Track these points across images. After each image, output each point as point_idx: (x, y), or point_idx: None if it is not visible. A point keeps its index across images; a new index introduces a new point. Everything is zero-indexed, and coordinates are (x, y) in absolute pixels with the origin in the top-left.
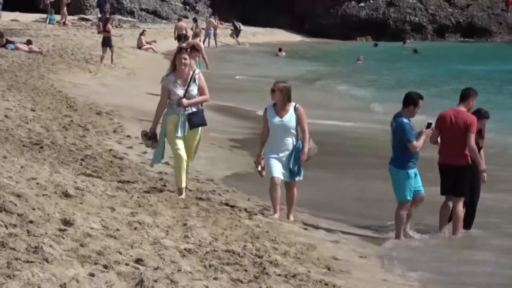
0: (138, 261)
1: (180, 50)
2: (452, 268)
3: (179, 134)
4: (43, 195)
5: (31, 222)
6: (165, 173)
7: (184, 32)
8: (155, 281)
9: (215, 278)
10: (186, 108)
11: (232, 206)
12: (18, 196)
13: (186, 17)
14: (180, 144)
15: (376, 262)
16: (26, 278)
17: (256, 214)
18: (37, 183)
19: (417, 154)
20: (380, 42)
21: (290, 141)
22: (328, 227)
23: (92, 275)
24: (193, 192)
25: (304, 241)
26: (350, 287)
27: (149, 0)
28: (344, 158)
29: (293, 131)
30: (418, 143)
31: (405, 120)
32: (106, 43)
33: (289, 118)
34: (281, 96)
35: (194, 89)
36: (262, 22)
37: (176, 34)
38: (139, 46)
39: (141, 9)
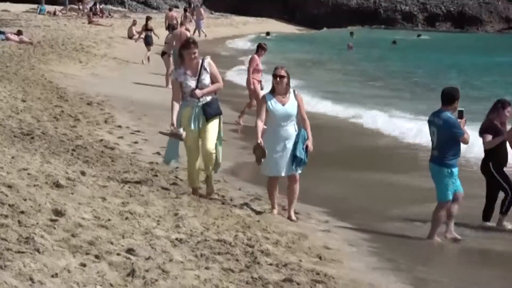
0: (130, 251)
1: (188, 44)
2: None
3: (192, 127)
4: (34, 185)
5: (22, 212)
6: (156, 163)
7: (174, 22)
8: (147, 271)
9: (207, 268)
10: (200, 99)
11: (223, 196)
12: (9, 186)
13: (177, 7)
14: (192, 140)
15: (368, 251)
16: (17, 269)
17: (247, 204)
18: (28, 174)
19: (459, 151)
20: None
21: (291, 130)
22: (319, 216)
23: (84, 265)
24: (184, 181)
25: (296, 231)
26: (341, 276)
27: None
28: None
29: (294, 119)
30: (467, 135)
31: (453, 116)
32: (149, 41)
33: (292, 105)
34: (286, 82)
35: (206, 78)
36: (253, 12)
37: (167, 24)
38: (130, 36)
39: None
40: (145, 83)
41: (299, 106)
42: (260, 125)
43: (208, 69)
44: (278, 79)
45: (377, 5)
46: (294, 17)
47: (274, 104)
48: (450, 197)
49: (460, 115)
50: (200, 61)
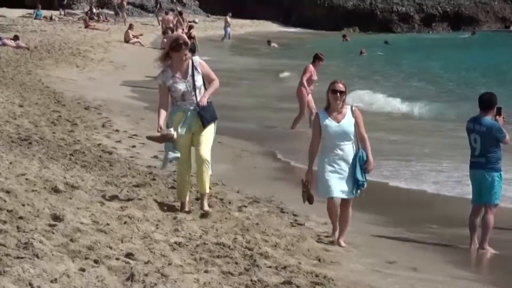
0: (129, 255)
1: (179, 45)
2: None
3: (183, 132)
4: (33, 190)
5: (21, 218)
6: (154, 167)
7: (171, 25)
8: (146, 275)
9: (206, 271)
10: (198, 103)
11: (221, 199)
12: (8, 192)
13: (173, 10)
14: (183, 147)
15: (367, 253)
16: (16, 274)
17: (245, 207)
18: (26, 179)
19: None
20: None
21: (349, 150)
22: (318, 218)
23: (83, 270)
24: None
25: (294, 233)
26: (341, 278)
27: None
28: None
29: (352, 137)
30: (508, 137)
31: (494, 121)
32: (193, 49)
33: (348, 122)
34: (343, 97)
35: (199, 79)
36: (249, 14)
37: (164, 28)
38: (127, 40)
39: (128, 3)
40: (143, 86)
41: (357, 123)
42: (313, 153)
43: (199, 69)
44: (338, 94)
45: (373, 6)
46: (290, 19)
47: (328, 122)
48: (498, 201)
49: (499, 112)
50: (190, 61)
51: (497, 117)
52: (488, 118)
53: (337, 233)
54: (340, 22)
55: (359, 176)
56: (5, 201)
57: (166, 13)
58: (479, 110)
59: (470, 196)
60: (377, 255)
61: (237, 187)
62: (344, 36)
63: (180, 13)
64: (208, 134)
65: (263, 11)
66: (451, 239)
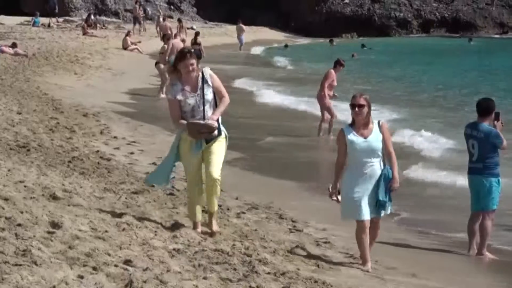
0: (127, 262)
1: (183, 55)
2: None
3: (195, 152)
4: (31, 198)
5: (19, 225)
6: None
7: (169, 32)
8: (145, 281)
9: (205, 278)
10: (205, 119)
11: (220, 205)
12: (6, 199)
13: (171, 17)
14: (194, 166)
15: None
16: (15, 282)
17: (244, 213)
18: (25, 186)
19: (499, 157)
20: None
21: (376, 167)
22: (317, 224)
23: (81, 277)
24: (180, 192)
25: (293, 239)
26: (340, 284)
27: (133, 1)
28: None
29: (380, 154)
30: (505, 142)
31: (491, 127)
32: (199, 55)
33: (376, 137)
34: (367, 111)
35: (209, 93)
36: (247, 21)
37: (161, 35)
38: (125, 47)
39: (126, 10)
40: (141, 93)
41: (384, 139)
42: (339, 170)
43: (210, 82)
44: (356, 109)
45: (371, 12)
46: (288, 26)
47: (354, 137)
48: (496, 206)
49: (497, 117)
50: (200, 73)
51: (496, 122)
52: (486, 124)
53: (369, 264)
54: (338, 28)
55: (381, 196)
56: (3, 208)
57: (164, 20)
58: (477, 116)
59: (469, 201)
60: (377, 261)
61: (235, 194)
62: (331, 40)
63: (179, 21)
64: (219, 152)
65: (261, 18)
66: (450, 245)
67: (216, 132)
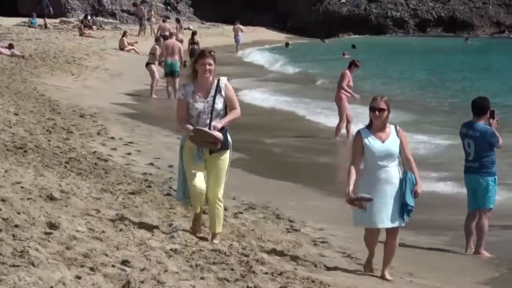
0: (125, 262)
1: (203, 53)
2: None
3: (196, 161)
4: (28, 199)
5: (16, 226)
6: (150, 174)
7: (167, 33)
8: (142, 282)
9: (202, 278)
10: (211, 127)
11: None
12: (3, 200)
13: (168, 18)
14: (197, 177)
15: (363, 258)
16: (12, 282)
17: (241, 213)
18: (22, 187)
19: (495, 156)
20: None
21: (394, 172)
22: (314, 224)
23: (79, 277)
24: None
25: (290, 239)
26: (337, 284)
27: (130, 1)
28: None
29: (396, 159)
30: (501, 140)
31: (487, 126)
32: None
33: (393, 142)
34: (387, 114)
35: (219, 102)
36: (244, 21)
37: (158, 35)
38: (121, 48)
39: (122, 10)
40: (137, 94)
41: (402, 144)
42: (354, 172)
43: (223, 92)
44: (377, 112)
45: (368, 11)
46: (285, 26)
47: (371, 141)
48: (492, 205)
49: (492, 115)
50: (216, 81)
51: (491, 120)
52: (481, 123)
53: (373, 263)
54: (335, 28)
55: (409, 200)
56: (0, 209)
57: (164, 21)
58: (472, 115)
59: (466, 200)
60: (374, 260)
61: (233, 194)
62: (322, 39)
63: (177, 21)
64: (221, 166)
65: (258, 18)
66: (447, 244)
67: (219, 145)
